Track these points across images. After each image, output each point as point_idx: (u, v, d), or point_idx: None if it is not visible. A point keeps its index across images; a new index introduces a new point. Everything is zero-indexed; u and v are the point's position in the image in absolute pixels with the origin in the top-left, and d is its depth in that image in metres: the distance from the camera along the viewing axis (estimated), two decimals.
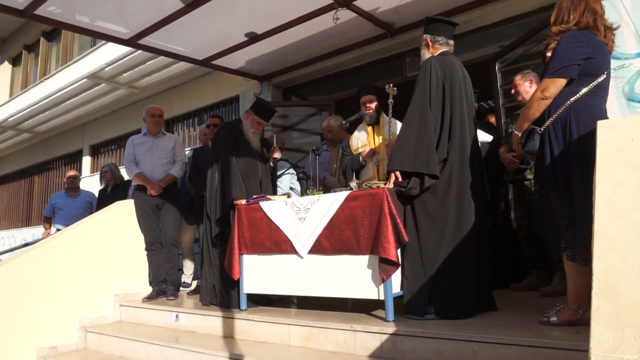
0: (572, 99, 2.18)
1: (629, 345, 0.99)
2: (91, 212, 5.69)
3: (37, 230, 10.37)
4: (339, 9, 4.55)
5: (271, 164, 4.07)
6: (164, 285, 4.33)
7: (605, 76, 2.21)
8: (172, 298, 4.21)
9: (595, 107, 2.19)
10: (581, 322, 2.14)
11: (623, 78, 3.78)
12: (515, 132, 2.40)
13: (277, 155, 4.09)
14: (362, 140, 3.78)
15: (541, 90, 2.23)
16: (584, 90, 2.18)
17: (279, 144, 4.71)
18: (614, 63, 3.79)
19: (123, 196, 5.38)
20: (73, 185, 6.23)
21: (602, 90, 2.23)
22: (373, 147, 3.65)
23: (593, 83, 2.19)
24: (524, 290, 3.53)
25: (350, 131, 4.04)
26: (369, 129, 3.74)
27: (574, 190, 2.08)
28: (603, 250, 1.25)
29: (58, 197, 6.28)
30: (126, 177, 6.01)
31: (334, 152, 4.44)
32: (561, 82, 2.19)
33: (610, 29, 2.28)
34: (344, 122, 3.94)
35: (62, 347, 3.82)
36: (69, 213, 5.98)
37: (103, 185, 6.14)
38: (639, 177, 1.53)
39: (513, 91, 3.56)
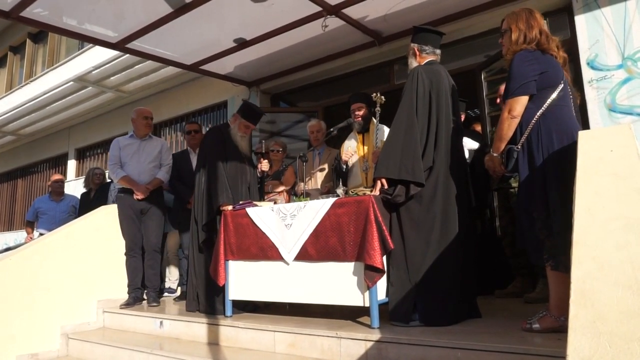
0: (539, 112, 2.29)
1: (604, 352, 1.01)
2: (75, 217, 5.62)
3: (20, 235, 10.18)
4: (328, 16, 4.58)
5: (258, 174, 4.05)
6: (141, 292, 4.25)
7: (563, 85, 2.32)
8: (154, 304, 4.14)
9: (564, 117, 2.29)
10: (563, 329, 2.17)
11: (605, 89, 3.86)
12: (494, 154, 2.46)
13: (265, 167, 4.06)
14: (352, 147, 3.82)
15: (508, 110, 2.34)
16: (548, 102, 2.29)
17: (277, 147, 4.73)
18: (596, 74, 3.89)
19: (104, 199, 5.33)
20: (59, 190, 6.13)
21: (564, 100, 2.33)
22: (363, 154, 3.69)
23: (554, 94, 2.29)
24: (508, 297, 3.56)
25: (341, 139, 4.07)
26: (359, 136, 3.79)
27: (549, 199, 2.13)
28: (581, 259, 1.27)
29: (42, 201, 6.19)
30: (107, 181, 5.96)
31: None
32: (524, 100, 2.31)
33: (561, 48, 2.42)
34: (331, 130, 3.96)
35: (43, 354, 3.75)
36: (52, 217, 5.89)
37: (86, 188, 6.03)
38: (618, 187, 1.56)
39: (498, 100, 3.61)
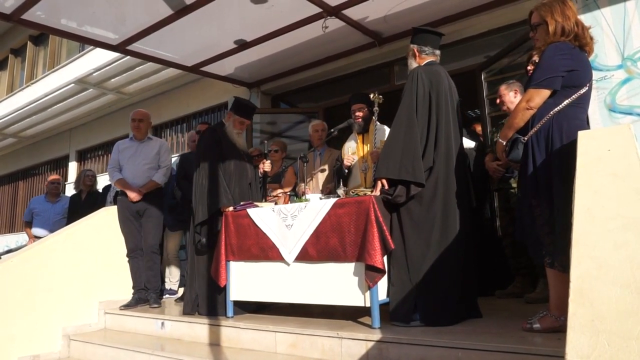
0: (555, 109, 2.23)
1: (603, 351, 1.02)
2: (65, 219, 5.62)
3: (21, 237, 10.20)
4: (328, 17, 4.59)
5: (259, 175, 4.04)
6: (144, 293, 4.26)
7: (587, 88, 2.27)
8: (155, 306, 4.14)
9: (577, 118, 2.24)
10: (563, 328, 2.15)
11: (605, 89, 3.87)
12: (500, 140, 2.44)
13: (267, 168, 4.05)
14: (352, 148, 3.82)
15: (526, 100, 2.28)
16: (567, 101, 2.23)
17: (274, 147, 4.73)
18: (596, 74, 3.89)
19: (101, 204, 5.32)
20: (55, 191, 6.05)
21: (583, 102, 2.28)
22: (362, 154, 3.70)
23: (575, 95, 2.24)
24: (508, 297, 3.57)
25: (342, 139, 4.08)
26: (359, 137, 3.79)
27: (554, 198, 2.12)
28: (580, 258, 1.28)
29: (37, 201, 6.12)
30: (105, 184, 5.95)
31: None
32: (545, 93, 2.24)
33: (592, 38, 2.34)
34: (332, 130, 3.96)
35: (44, 356, 3.75)
36: (46, 219, 5.84)
37: (77, 190, 5.94)
38: (617, 187, 1.57)
39: (498, 101, 3.62)
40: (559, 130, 2.19)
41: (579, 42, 2.28)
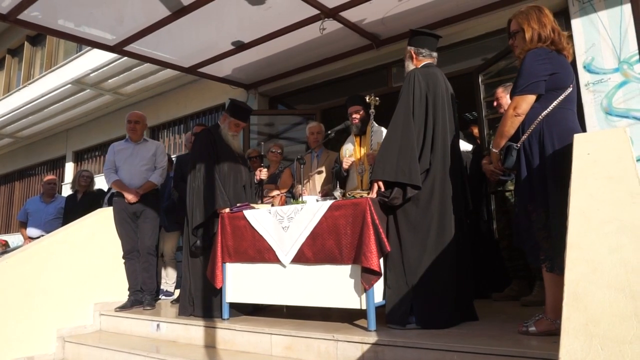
0: (544, 113, 2.27)
1: (596, 355, 1.02)
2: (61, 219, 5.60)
3: (16, 238, 10.16)
4: (326, 19, 4.59)
5: (255, 181, 4.03)
6: (140, 294, 4.25)
7: (571, 89, 2.30)
8: (148, 308, 4.13)
9: (568, 120, 2.27)
10: (559, 331, 2.16)
11: (601, 92, 3.88)
12: (494, 150, 2.46)
13: (264, 176, 4.04)
14: (349, 150, 3.82)
15: (513, 107, 2.31)
16: (554, 103, 2.26)
17: (277, 149, 4.73)
18: (592, 77, 3.91)
19: (97, 204, 5.30)
20: (51, 192, 6.04)
21: (570, 104, 2.32)
22: (359, 156, 3.69)
23: (561, 97, 2.27)
24: (505, 300, 3.57)
25: (339, 141, 4.07)
26: (356, 139, 3.79)
27: (549, 202, 2.13)
28: (575, 262, 1.28)
29: (32, 202, 6.14)
30: (101, 186, 5.92)
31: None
32: (531, 98, 2.28)
33: (569, 43, 2.38)
34: (328, 132, 3.96)
35: (38, 357, 3.73)
36: (39, 219, 5.83)
37: (73, 190, 5.93)
38: (612, 190, 1.57)
39: (495, 103, 3.63)
40: (550, 134, 2.22)
41: (556, 47, 2.32)
